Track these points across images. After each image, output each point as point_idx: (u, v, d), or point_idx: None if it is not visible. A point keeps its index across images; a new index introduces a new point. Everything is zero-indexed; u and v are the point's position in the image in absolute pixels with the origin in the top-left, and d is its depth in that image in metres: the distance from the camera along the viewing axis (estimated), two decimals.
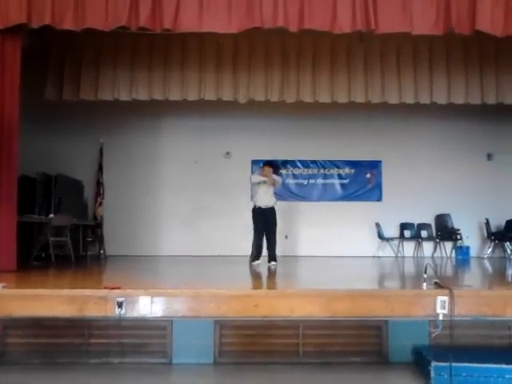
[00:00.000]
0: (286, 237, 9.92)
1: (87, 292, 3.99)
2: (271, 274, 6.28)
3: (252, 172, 7.28)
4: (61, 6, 5.67)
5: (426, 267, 4.43)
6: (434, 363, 3.64)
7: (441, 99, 8.55)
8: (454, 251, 10.15)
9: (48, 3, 5.62)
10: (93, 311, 3.91)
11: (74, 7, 5.66)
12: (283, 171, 10.41)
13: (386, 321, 4.17)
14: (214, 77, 8.35)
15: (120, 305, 3.83)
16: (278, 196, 9.66)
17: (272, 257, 7.05)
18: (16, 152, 5.88)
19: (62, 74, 8.36)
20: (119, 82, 8.31)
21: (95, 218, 9.82)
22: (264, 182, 7.27)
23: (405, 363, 4.06)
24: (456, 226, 10.12)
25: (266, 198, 7.25)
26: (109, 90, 8.32)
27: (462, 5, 5.75)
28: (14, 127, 5.85)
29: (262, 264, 6.97)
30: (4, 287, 4.02)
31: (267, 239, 7.16)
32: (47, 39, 7.77)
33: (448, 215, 10.26)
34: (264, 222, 7.16)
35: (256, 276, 6.16)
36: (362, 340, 4.20)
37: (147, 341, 4.17)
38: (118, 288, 3.94)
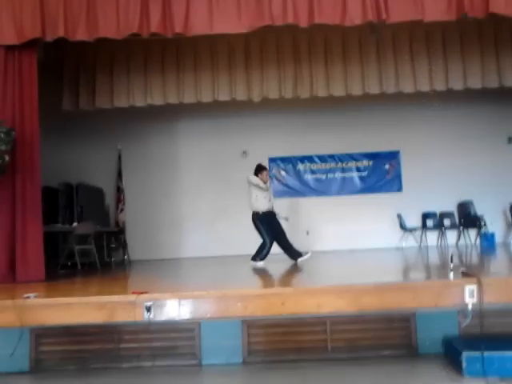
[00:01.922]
0: (308, 232, 9.91)
1: (116, 298, 4.04)
2: (295, 270, 6.28)
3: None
4: (73, 18, 5.76)
5: (451, 256, 4.39)
6: (465, 353, 3.62)
7: (457, 85, 8.45)
8: (478, 238, 10.01)
9: (60, 16, 5.72)
10: (122, 317, 3.96)
11: (85, 18, 5.74)
12: (301, 167, 10.40)
13: (414, 313, 4.16)
14: (227, 77, 8.39)
15: (148, 309, 3.87)
16: (298, 192, 9.67)
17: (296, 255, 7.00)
18: (38, 164, 5.99)
19: (77, 84, 8.50)
20: (134, 88, 8.42)
21: (117, 224, 9.94)
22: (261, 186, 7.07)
23: (435, 354, 4.05)
24: (479, 213, 9.96)
25: (269, 203, 7.10)
26: (124, 96, 8.43)
27: None
28: (35, 140, 5.97)
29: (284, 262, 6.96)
30: (36, 297, 4.10)
31: (280, 244, 7.04)
32: (61, 51, 7.89)
33: (470, 202, 10.11)
34: (270, 226, 6.99)
35: (280, 274, 6.16)
36: (391, 333, 4.20)
37: (176, 343, 4.24)
38: (146, 293, 3.99)
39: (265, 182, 7.06)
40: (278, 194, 9.64)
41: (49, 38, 5.81)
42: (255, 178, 7.08)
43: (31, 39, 5.81)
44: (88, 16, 5.74)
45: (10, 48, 5.91)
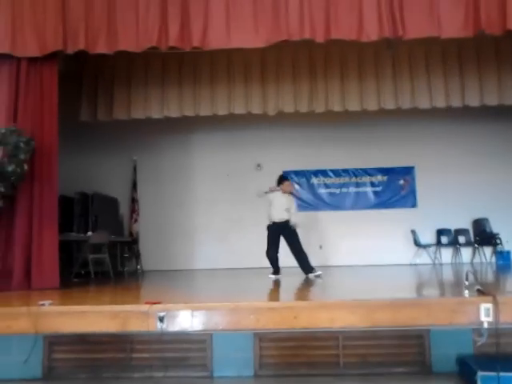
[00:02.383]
0: (321, 247, 9.87)
1: (129, 307, 4.07)
2: (308, 284, 6.25)
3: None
4: (94, 32, 5.89)
5: (467, 274, 4.33)
6: (480, 373, 3.56)
7: (473, 101, 8.42)
8: (493, 256, 9.87)
9: (82, 29, 5.86)
10: (135, 326, 3.97)
11: (106, 31, 5.87)
12: (315, 181, 10.39)
13: (428, 330, 4.11)
14: (242, 91, 8.47)
15: (161, 319, 3.89)
16: (312, 206, 9.62)
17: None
18: (56, 173, 6.10)
19: (95, 95, 8.65)
20: (151, 100, 8.54)
21: (131, 234, 10.01)
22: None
23: (449, 373, 3.98)
24: (495, 231, 9.85)
25: (283, 213, 7.08)
26: (141, 108, 8.55)
27: (492, 4, 5.63)
28: (54, 150, 6.08)
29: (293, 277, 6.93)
30: (50, 304, 4.14)
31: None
32: (80, 62, 8.05)
33: (486, 219, 10.01)
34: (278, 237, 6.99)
35: (293, 287, 6.14)
36: (404, 350, 4.15)
37: (188, 354, 4.23)
38: (159, 303, 4.01)
39: (285, 192, 7.12)
40: None
41: (70, 50, 5.95)
42: (273, 187, 7.23)
43: (53, 51, 5.96)
44: (108, 29, 5.87)
45: (32, 60, 6.06)
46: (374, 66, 8.46)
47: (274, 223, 7.04)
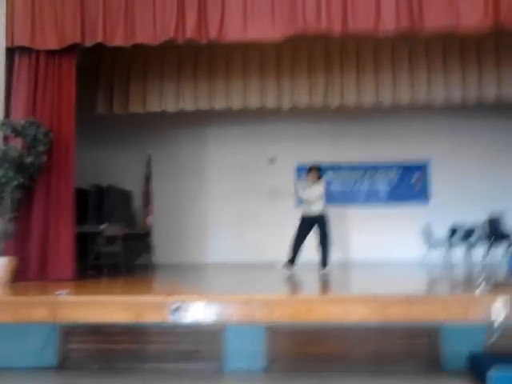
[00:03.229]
0: (333, 242, 9.84)
1: (144, 298, 4.12)
2: (322, 279, 6.26)
3: (298, 178, 7.03)
4: (111, 24, 5.93)
5: (481, 270, 4.31)
6: (492, 370, 3.54)
7: (489, 96, 8.31)
8: (508, 253, 9.76)
9: (99, 22, 5.90)
10: (150, 317, 4.03)
11: (123, 24, 5.91)
12: (329, 175, 10.36)
13: (440, 327, 4.09)
14: (257, 84, 8.45)
15: (175, 310, 3.93)
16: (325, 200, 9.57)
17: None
18: (72, 165, 6.17)
19: (111, 88, 8.69)
20: (166, 93, 8.55)
21: (144, 227, 10.08)
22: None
23: (460, 370, 3.96)
24: (509, 228, 9.73)
25: (306, 207, 7.13)
26: (156, 101, 8.57)
27: None
28: (71, 142, 6.14)
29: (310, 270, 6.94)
30: (67, 294, 4.21)
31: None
32: (97, 55, 8.10)
33: (501, 217, 9.89)
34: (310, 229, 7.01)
35: (306, 281, 6.16)
36: (416, 347, 4.13)
37: (200, 347, 4.26)
38: (174, 294, 4.05)
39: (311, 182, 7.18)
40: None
41: (88, 43, 6.00)
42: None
43: (71, 44, 6.02)
44: (126, 22, 5.91)
45: (50, 53, 6.12)
46: (390, 59, 8.36)
47: (301, 216, 7.08)
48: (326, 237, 6.99)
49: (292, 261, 6.98)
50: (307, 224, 7.01)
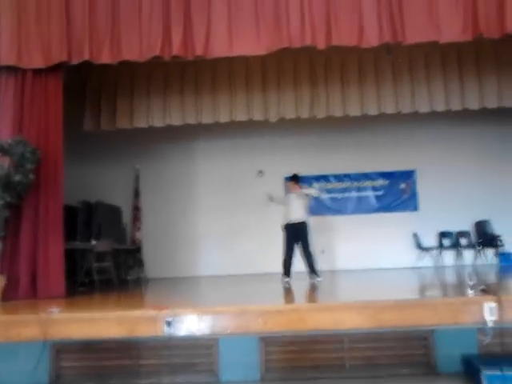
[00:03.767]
0: (323, 251, 9.89)
1: (137, 313, 4.11)
2: (313, 288, 6.28)
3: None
4: (98, 42, 5.97)
5: (470, 274, 4.38)
6: (485, 372, 3.59)
7: (473, 104, 8.48)
8: (496, 258, 9.89)
9: (86, 40, 5.94)
10: (143, 331, 4.01)
11: (110, 42, 5.95)
12: (317, 186, 10.43)
13: (433, 331, 4.14)
14: (244, 98, 8.54)
15: (169, 324, 3.93)
16: (314, 210, 9.66)
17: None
18: (61, 183, 6.14)
19: (98, 105, 8.72)
20: (153, 109, 8.61)
21: (134, 242, 10.04)
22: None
23: (454, 373, 4.01)
24: (496, 232, 9.88)
25: (287, 215, 7.19)
26: (143, 117, 8.62)
27: (490, 9, 5.69)
28: (59, 159, 6.13)
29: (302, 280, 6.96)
30: (59, 312, 4.18)
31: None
32: (84, 73, 8.13)
33: (488, 221, 10.03)
34: (296, 237, 7.06)
35: (299, 291, 6.18)
36: (409, 351, 4.18)
37: (195, 360, 4.26)
38: (166, 308, 4.05)
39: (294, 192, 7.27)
40: None
41: (74, 61, 6.02)
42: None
43: (57, 63, 6.04)
44: (112, 39, 5.95)
45: (37, 71, 6.12)
46: (373, 71, 8.53)
47: (283, 226, 7.12)
48: (308, 246, 7.01)
49: (287, 273, 6.98)
50: (291, 232, 7.05)
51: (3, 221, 5.72)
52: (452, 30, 5.77)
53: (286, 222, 7.14)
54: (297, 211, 7.14)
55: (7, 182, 5.57)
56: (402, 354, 4.18)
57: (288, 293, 6.05)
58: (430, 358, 4.14)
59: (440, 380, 4.01)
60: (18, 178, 5.62)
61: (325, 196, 10.47)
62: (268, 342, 4.21)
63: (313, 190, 7.81)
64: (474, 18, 5.74)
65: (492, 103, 8.43)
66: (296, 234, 7.03)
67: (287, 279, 6.89)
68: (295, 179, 7.40)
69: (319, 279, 6.89)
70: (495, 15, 5.68)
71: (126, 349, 4.29)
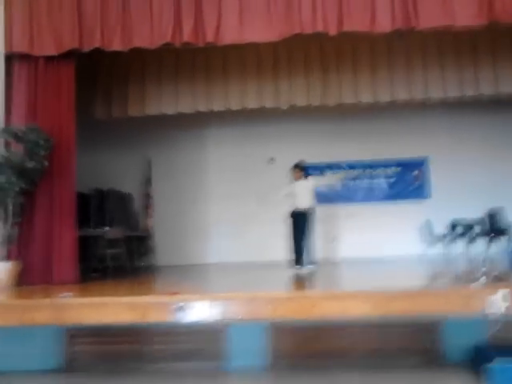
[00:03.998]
0: (334, 239, 9.90)
1: (149, 299, 4.16)
2: (322, 276, 6.30)
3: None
4: (109, 29, 5.98)
5: (482, 262, 4.35)
6: (493, 361, 3.58)
7: (487, 91, 8.35)
8: (509, 246, 9.80)
9: (97, 27, 5.95)
10: (155, 317, 4.07)
11: (121, 29, 5.95)
12: (328, 173, 10.39)
13: (442, 320, 4.13)
14: (255, 85, 8.49)
15: (180, 310, 3.97)
16: (325, 198, 9.63)
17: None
18: (74, 170, 6.22)
19: (110, 93, 8.72)
20: (165, 96, 8.58)
21: (145, 229, 10.12)
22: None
23: (462, 363, 4.00)
24: (509, 222, 9.77)
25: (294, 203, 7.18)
26: (155, 105, 8.61)
27: None
28: (72, 146, 6.20)
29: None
30: (71, 296, 4.24)
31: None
32: (94, 61, 8.13)
33: (501, 209, 9.91)
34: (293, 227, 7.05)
35: (307, 279, 6.20)
36: (418, 340, 4.18)
37: (204, 346, 4.31)
38: (178, 293, 4.09)
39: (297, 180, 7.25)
40: None
41: (86, 48, 6.04)
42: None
43: (69, 50, 6.06)
44: (123, 27, 5.95)
45: (49, 59, 6.16)
46: (386, 57, 8.41)
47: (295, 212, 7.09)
48: (304, 236, 6.96)
49: (298, 261, 6.94)
50: (298, 218, 7.03)
51: (18, 207, 5.80)
52: (466, 14, 5.64)
53: (292, 210, 7.13)
54: (304, 199, 7.13)
55: (22, 169, 5.65)
56: (411, 342, 4.17)
57: (298, 280, 6.07)
58: (439, 348, 4.14)
59: (448, 370, 4.01)
60: (31, 164, 5.69)
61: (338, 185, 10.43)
62: (277, 329, 4.24)
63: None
64: (489, 2, 5.60)
65: (505, 92, 8.29)
66: (297, 222, 7.01)
67: (299, 267, 6.86)
68: (300, 167, 7.38)
69: (299, 267, 6.82)
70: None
71: (138, 334, 4.37)
